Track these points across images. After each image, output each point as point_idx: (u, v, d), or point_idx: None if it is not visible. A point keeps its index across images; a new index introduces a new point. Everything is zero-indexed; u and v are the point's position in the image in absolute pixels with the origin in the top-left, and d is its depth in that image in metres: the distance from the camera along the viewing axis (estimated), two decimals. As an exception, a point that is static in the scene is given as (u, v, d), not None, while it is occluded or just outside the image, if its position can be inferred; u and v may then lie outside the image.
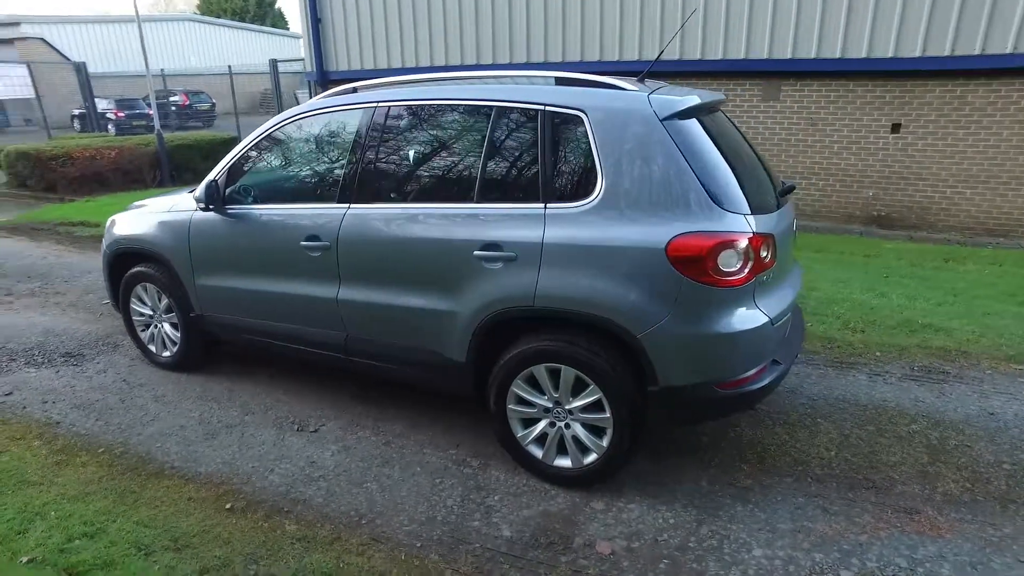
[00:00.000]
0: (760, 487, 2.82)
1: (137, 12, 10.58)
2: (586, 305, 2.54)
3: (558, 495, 2.79)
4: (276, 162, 3.42)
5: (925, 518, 2.60)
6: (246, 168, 3.43)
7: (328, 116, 3.22)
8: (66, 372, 3.98)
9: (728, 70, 8.23)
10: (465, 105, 2.89)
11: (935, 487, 2.79)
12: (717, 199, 2.44)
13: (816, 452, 3.07)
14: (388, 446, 3.17)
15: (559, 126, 2.65)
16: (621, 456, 2.69)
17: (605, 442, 2.69)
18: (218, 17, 31.74)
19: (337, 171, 3.14)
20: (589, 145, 2.57)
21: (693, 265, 2.38)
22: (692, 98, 2.64)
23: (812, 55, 7.73)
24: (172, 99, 21.26)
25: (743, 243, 2.41)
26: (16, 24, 20.96)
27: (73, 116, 19.65)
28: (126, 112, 19.31)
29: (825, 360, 4.05)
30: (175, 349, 3.91)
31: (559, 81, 2.87)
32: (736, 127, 3.27)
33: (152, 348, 4.03)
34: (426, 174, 3.00)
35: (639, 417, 2.60)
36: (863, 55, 7.46)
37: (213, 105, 22.67)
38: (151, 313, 3.95)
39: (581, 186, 2.59)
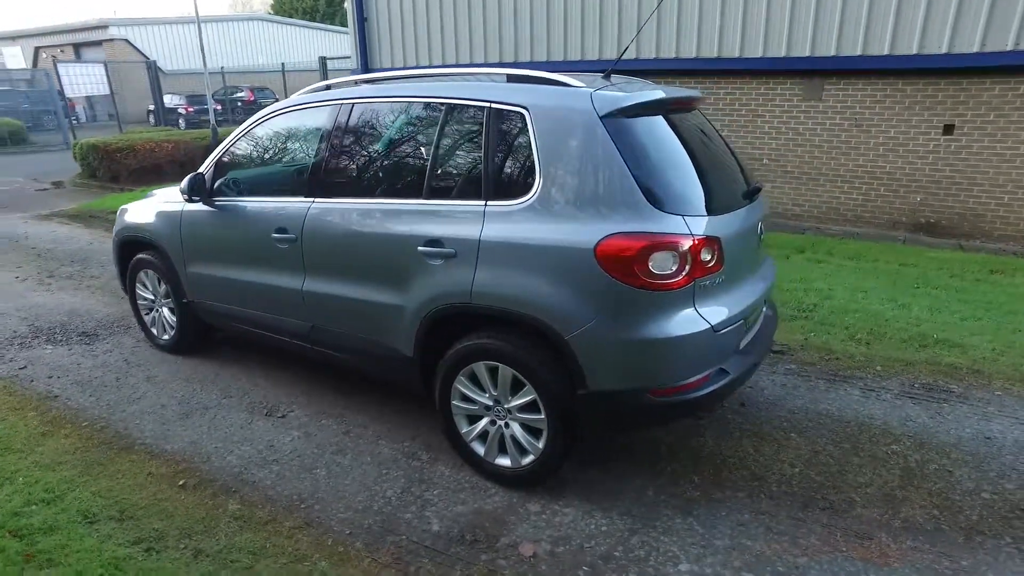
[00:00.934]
0: (707, 500, 2.71)
1: (197, 13, 11.19)
2: (517, 304, 2.52)
3: (497, 494, 2.78)
4: (256, 156, 3.55)
5: (876, 544, 2.44)
6: (231, 162, 3.58)
7: (302, 112, 3.32)
8: (77, 350, 4.28)
9: (768, 68, 7.91)
10: (419, 102, 2.92)
11: (897, 512, 2.61)
12: (654, 199, 2.37)
13: (778, 468, 2.92)
14: (347, 435, 3.24)
15: (503, 123, 2.63)
16: (556, 459, 2.66)
17: (541, 444, 2.66)
18: (290, 16, 33.06)
19: (305, 166, 3.24)
20: (529, 142, 2.55)
21: (622, 267, 2.31)
22: (641, 95, 2.56)
23: (858, 52, 7.33)
24: (238, 95, 22.32)
25: (679, 245, 2.33)
26: (104, 27, 22.61)
27: (148, 111, 20.99)
28: (195, 107, 20.44)
29: (819, 372, 3.85)
30: (172, 333, 4.13)
31: (510, 78, 2.85)
32: (709, 124, 3.16)
33: (154, 331, 4.27)
34: (382, 170, 3.04)
35: (572, 420, 2.56)
36: (913, 51, 7.01)
37: (276, 100, 23.66)
38: (152, 298, 4.19)
39: (520, 184, 2.57)
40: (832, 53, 7.46)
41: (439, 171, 2.79)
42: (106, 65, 14.56)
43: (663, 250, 2.32)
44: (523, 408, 2.66)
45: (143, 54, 22.29)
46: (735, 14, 7.71)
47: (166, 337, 4.19)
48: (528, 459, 2.72)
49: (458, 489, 2.82)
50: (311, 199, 3.14)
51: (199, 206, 3.60)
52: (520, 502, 2.73)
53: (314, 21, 33.90)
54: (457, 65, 9.65)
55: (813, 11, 7.33)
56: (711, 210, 2.52)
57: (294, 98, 3.40)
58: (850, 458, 2.99)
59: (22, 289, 5.61)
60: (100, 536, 2.44)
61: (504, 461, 2.80)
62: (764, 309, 3.17)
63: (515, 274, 2.51)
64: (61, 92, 14.57)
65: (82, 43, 23.48)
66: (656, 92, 2.65)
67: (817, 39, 7.49)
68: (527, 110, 2.57)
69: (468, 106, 2.73)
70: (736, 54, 8.01)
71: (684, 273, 2.36)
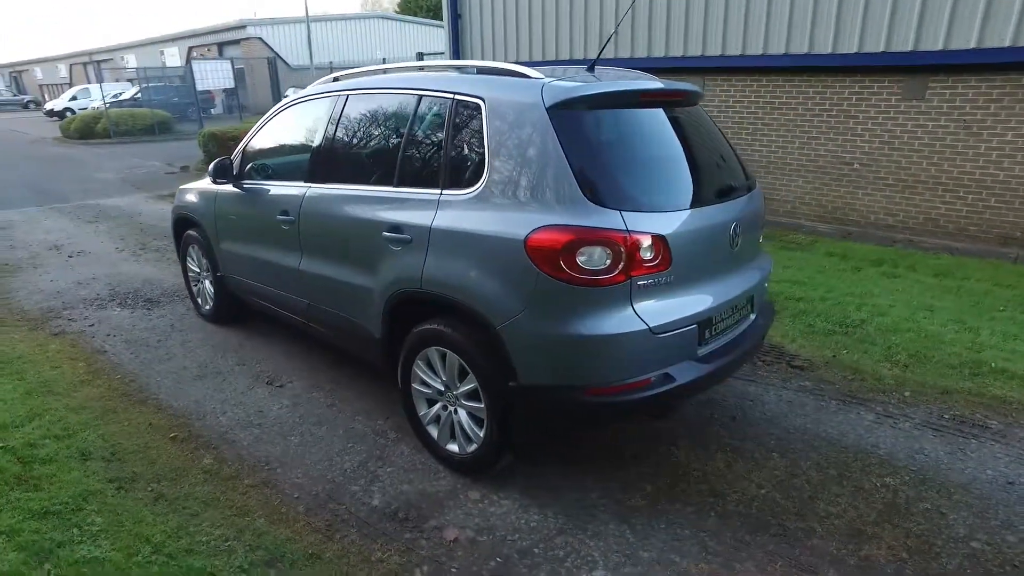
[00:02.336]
0: (651, 510, 2.60)
1: (307, 13, 12.04)
2: (457, 292, 2.55)
3: (444, 478, 2.83)
4: (274, 143, 3.82)
5: (818, 579, 2.23)
6: (256, 147, 3.88)
7: (310, 103, 3.54)
8: (137, 314, 4.83)
9: (864, 65, 7.26)
10: (397, 93, 3.01)
11: (858, 549, 2.36)
12: (593, 193, 2.30)
13: (743, 487, 2.73)
14: (330, 408, 3.43)
15: (462, 114, 2.67)
16: (495, 449, 2.66)
17: (482, 433, 2.68)
18: (414, 15, 34.62)
19: (307, 153, 3.45)
20: (482, 133, 2.56)
21: (549, 260, 2.27)
22: (595, 86, 2.49)
23: (971, 45, 6.55)
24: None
25: (612, 241, 2.25)
26: (242, 27, 25.00)
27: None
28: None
29: (836, 392, 3.53)
30: (212, 303, 4.55)
31: (480, 71, 2.87)
32: (706, 120, 3.00)
33: (199, 301, 4.73)
34: (364, 158, 3.18)
35: (507, 412, 2.55)
36: (1040, 42, 6.17)
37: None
38: (198, 271, 4.63)
39: (472, 174, 2.59)
40: (939, 47, 6.72)
41: (408, 160, 2.87)
42: (232, 61, 16.11)
43: (593, 245, 2.25)
44: (468, 396, 2.69)
45: (274, 51, 24.31)
46: (829, 6, 7.14)
47: (207, 307, 4.62)
48: (472, 447, 2.75)
49: (410, 469, 2.90)
50: (309, 184, 3.34)
51: (229, 188, 3.94)
52: (463, 488, 2.76)
53: (438, 19, 35.23)
54: (571, 62, 9.63)
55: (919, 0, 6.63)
56: (660, 207, 2.41)
57: (308, 89, 3.63)
58: (830, 486, 2.73)
59: (117, 259, 6.39)
60: (86, 471, 2.78)
61: (453, 447, 2.84)
62: (752, 316, 2.97)
63: (457, 263, 2.55)
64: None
65: (224, 42, 26.06)
66: (617, 84, 2.57)
67: (923, 31, 6.77)
68: (483, 101, 2.59)
69: (436, 97, 2.79)
70: (828, 50, 7.42)
71: (619, 270, 2.28)
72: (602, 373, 2.37)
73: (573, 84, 2.48)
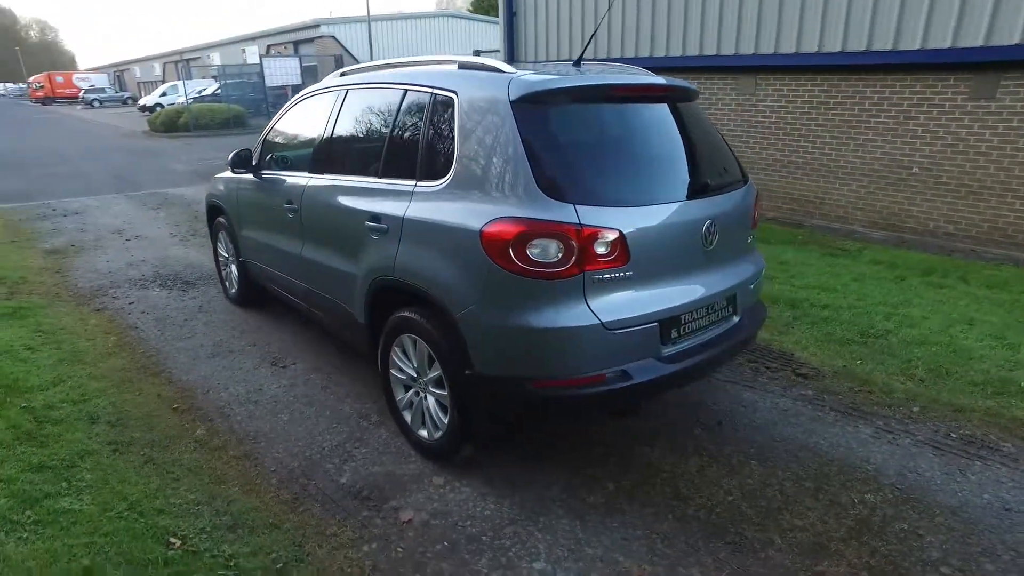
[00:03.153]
0: (607, 508, 2.58)
1: (368, 11, 12.43)
2: (422, 280, 2.61)
3: (414, 462, 2.91)
4: (287, 135, 4.01)
5: (763, 591, 2.16)
6: (273, 139, 4.09)
7: (317, 97, 3.70)
8: (174, 295, 5.17)
9: (928, 62, 6.84)
10: (386, 88, 3.11)
11: (815, 565, 2.26)
12: (548, 186, 2.31)
13: (710, 493, 2.67)
14: (324, 390, 3.58)
15: (438, 108, 2.73)
16: (457, 437, 2.71)
17: (447, 420, 2.73)
18: (487, 13, 35.05)
19: (311, 146, 3.61)
20: (453, 126, 2.62)
21: (500, 251, 2.30)
22: (562, 80, 2.50)
23: (1049, 38, 6.06)
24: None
25: (562, 234, 2.26)
26: (316, 26, 26.13)
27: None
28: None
29: (838, 403, 3.37)
30: (237, 287, 4.82)
31: (461, 65, 2.92)
32: (696, 116, 2.94)
33: (227, 284, 5.01)
34: (355, 150, 3.30)
35: (465, 401, 2.59)
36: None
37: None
38: (226, 256, 4.92)
39: (442, 166, 2.64)
40: (1016, 40, 6.24)
41: (391, 152, 2.96)
42: (300, 59, 16.84)
43: (544, 237, 2.26)
44: (435, 383, 2.75)
45: (345, 48, 25.20)
46: (891, 1, 6.76)
47: (233, 291, 4.90)
48: (438, 434, 2.81)
49: (384, 452, 3.00)
50: (311, 175, 3.50)
51: (249, 177, 4.16)
52: (429, 473, 2.83)
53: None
54: (622, 60, 9.53)
55: (994, -12, 6.17)
56: (620, 202, 2.39)
57: (319, 84, 3.79)
58: (802, 498, 2.62)
59: (168, 243, 6.85)
60: (89, 434, 3.03)
61: (423, 432, 2.91)
62: (735, 318, 2.89)
63: (424, 252, 2.62)
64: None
65: (300, 40, 27.27)
66: (587, 79, 2.56)
67: (996, 24, 6.31)
68: (456, 95, 2.64)
69: (417, 92, 2.87)
70: (888, 46, 7.03)
71: (571, 264, 2.28)
72: (553, 366, 2.37)
73: (539, 78, 2.49)
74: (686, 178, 2.71)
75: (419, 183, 2.73)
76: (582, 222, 2.27)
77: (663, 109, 2.77)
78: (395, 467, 2.88)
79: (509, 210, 2.33)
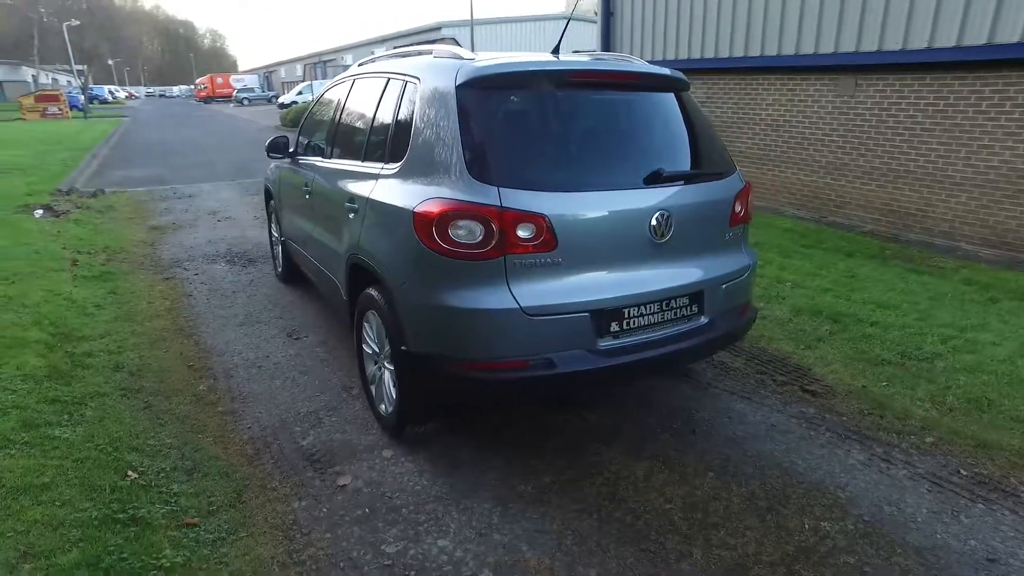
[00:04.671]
0: (534, 499, 2.56)
1: (472, 15, 12.87)
2: (373, 258, 2.74)
3: (372, 434, 3.04)
4: (313, 122, 4.30)
5: (657, 600, 2.05)
6: (305, 126, 4.41)
7: (335, 87, 3.95)
8: (234, 270, 5.71)
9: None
10: (376, 77, 3.26)
11: (725, 583, 2.11)
12: (476, 168, 2.35)
13: (648, 498, 2.55)
14: (322, 362, 3.81)
15: (406, 94, 2.84)
16: (403, 413, 2.80)
17: (396, 395, 2.83)
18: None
19: (324, 132, 3.86)
20: (412, 111, 2.71)
21: (426, 231, 2.36)
22: (509, 65, 2.52)
23: None
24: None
25: (482, 215, 2.28)
26: (438, 28, 27.48)
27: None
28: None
29: (838, 423, 3.07)
30: (281, 265, 5.23)
31: (436, 55, 2.99)
32: (679, 107, 2.83)
33: (276, 263, 5.45)
34: (351, 135, 3.48)
35: (402, 378, 2.67)
36: None
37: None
38: (275, 236, 5.35)
39: (401, 149, 2.75)
40: None
41: (372, 137, 3.12)
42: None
43: (465, 218, 2.30)
44: (389, 359, 2.87)
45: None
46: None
47: (279, 269, 5.32)
48: (392, 408, 2.92)
49: (350, 422, 3.16)
50: (322, 159, 3.75)
51: (287, 162, 4.52)
52: (382, 446, 2.94)
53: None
54: (716, 60, 9.17)
55: None
56: (549, 186, 2.36)
57: (340, 75, 4.05)
58: (747, 518, 2.44)
59: (249, 224, 7.54)
60: (108, 379, 3.45)
61: (382, 407, 3.03)
62: (702, 318, 2.74)
63: (376, 232, 2.74)
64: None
65: (423, 42, 28.66)
66: (536, 64, 2.55)
67: None
68: (419, 81, 2.74)
69: (394, 79, 3.00)
70: (1017, 38, 6.23)
71: (491, 246, 2.30)
72: (474, 348, 2.40)
73: (486, 64, 2.52)
74: (636, 167, 2.61)
75: (384, 166, 2.85)
76: (504, 205, 2.28)
77: (625, 97, 2.70)
78: (354, 436, 3.03)
79: (439, 191, 2.39)
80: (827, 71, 7.87)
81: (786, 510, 2.48)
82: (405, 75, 2.90)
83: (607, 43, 11.74)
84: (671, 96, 2.87)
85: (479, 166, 2.35)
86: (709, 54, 9.41)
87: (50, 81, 51.94)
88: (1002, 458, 2.78)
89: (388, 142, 2.88)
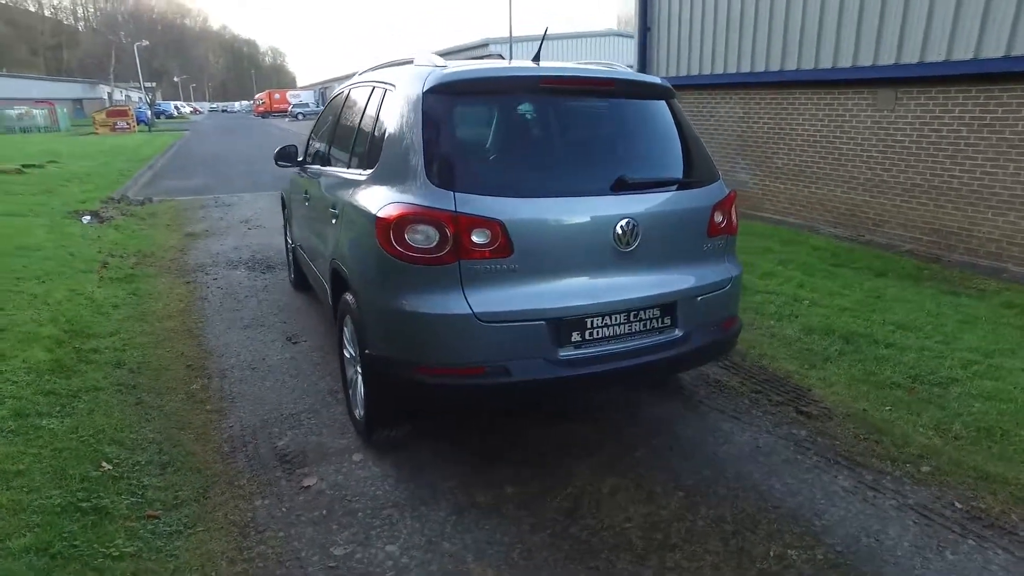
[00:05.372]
0: (490, 510, 2.51)
1: (511, 32, 13.02)
2: (345, 262, 2.77)
3: (347, 438, 3.06)
4: (318, 131, 4.41)
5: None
6: (311, 135, 4.53)
7: (337, 96, 4.05)
8: (252, 276, 5.89)
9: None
10: (364, 85, 3.33)
11: (671, 606, 2.02)
12: (434, 174, 2.36)
13: (608, 516, 2.48)
14: (315, 367, 3.88)
15: (385, 101, 2.88)
16: (371, 417, 2.81)
17: (363, 399, 2.85)
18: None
19: (323, 140, 3.96)
20: (388, 117, 2.75)
21: (384, 235, 2.38)
22: (479, 71, 2.53)
23: None
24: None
25: (436, 220, 2.28)
26: (485, 45, 27.98)
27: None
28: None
29: (828, 447, 2.92)
30: (292, 272, 5.36)
31: (416, 63, 3.02)
32: (660, 114, 2.79)
33: (290, 269, 5.60)
34: (340, 144, 3.56)
35: (367, 381, 2.68)
36: None
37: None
38: (289, 242, 5.49)
39: (376, 155, 2.79)
40: None
41: (357, 144, 3.18)
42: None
43: (420, 223, 2.31)
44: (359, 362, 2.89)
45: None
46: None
47: (292, 275, 5.46)
48: (362, 413, 2.93)
49: (328, 425, 3.19)
50: (320, 167, 3.85)
51: (295, 170, 4.65)
52: (354, 449, 2.96)
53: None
54: (752, 75, 8.99)
55: None
56: (506, 192, 2.35)
57: (340, 86, 4.16)
58: (709, 541, 2.34)
59: (275, 232, 7.72)
60: (107, 375, 3.60)
61: (357, 411, 3.06)
62: (676, 331, 2.66)
63: (348, 236, 2.79)
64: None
65: (471, 57, 29.28)
66: (504, 70, 2.56)
67: None
68: (394, 88, 2.79)
69: (377, 87, 3.06)
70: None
71: (446, 251, 2.30)
72: (430, 353, 2.40)
73: (453, 71, 2.55)
74: (603, 174, 2.57)
75: (362, 172, 2.90)
76: (458, 210, 2.28)
77: (598, 104, 2.67)
78: (329, 439, 3.06)
79: (401, 196, 2.42)
80: (865, 84, 7.61)
81: (753, 535, 2.36)
82: (385, 83, 2.95)
83: (643, 57, 11.67)
84: (652, 103, 2.83)
85: (438, 171, 2.37)
86: (745, 68, 9.23)
87: (123, 98, 55.24)
88: (1005, 492, 2.59)
89: (367, 148, 2.94)
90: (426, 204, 2.32)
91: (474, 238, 2.30)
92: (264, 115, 57.90)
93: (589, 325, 2.46)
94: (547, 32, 3.47)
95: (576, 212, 2.43)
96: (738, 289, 2.92)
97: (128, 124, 32.64)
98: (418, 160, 2.42)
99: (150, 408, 3.30)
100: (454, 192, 2.32)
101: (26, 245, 6.35)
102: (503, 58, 31.86)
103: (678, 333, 2.67)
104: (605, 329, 2.49)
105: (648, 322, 2.58)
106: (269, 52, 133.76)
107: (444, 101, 2.49)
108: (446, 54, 32.82)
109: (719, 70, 9.61)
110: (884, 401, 3.33)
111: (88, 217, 8.38)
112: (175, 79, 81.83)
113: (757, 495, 2.60)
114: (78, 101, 50.61)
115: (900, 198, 7.31)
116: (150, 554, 2.24)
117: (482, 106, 2.58)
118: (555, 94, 2.63)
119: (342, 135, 3.63)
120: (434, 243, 2.31)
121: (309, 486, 2.70)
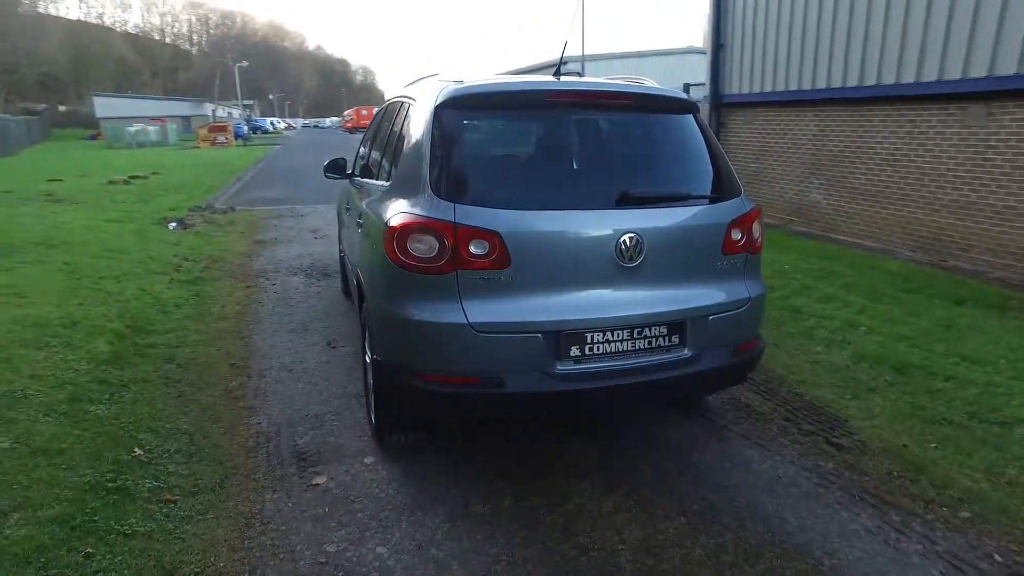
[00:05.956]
0: (485, 520, 2.53)
1: (583, 50, 13.08)
2: (362, 268, 2.89)
3: (363, 440, 3.16)
4: (364, 144, 4.61)
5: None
6: (360, 147, 4.75)
7: (381, 110, 4.23)
8: (308, 282, 6.19)
9: None
10: (396, 100, 3.47)
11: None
12: (438, 185, 2.44)
13: (603, 536, 2.44)
14: (347, 371, 4.02)
15: (408, 115, 3.00)
16: (378, 422, 2.89)
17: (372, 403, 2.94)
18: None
19: (364, 152, 4.14)
20: (407, 130, 2.86)
21: (390, 244, 2.47)
22: (489, 86, 2.59)
23: None
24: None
25: (436, 230, 2.35)
26: (565, 63, 28.24)
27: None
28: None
29: (857, 484, 2.74)
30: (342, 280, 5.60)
31: (440, 79, 3.11)
32: (665, 128, 2.76)
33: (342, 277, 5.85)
34: (375, 155, 3.70)
35: (374, 387, 2.77)
36: None
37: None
38: (341, 251, 5.74)
39: (395, 166, 2.90)
40: None
41: (384, 156, 3.32)
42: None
43: (422, 232, 2.38)
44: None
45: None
46: None
47: (343, 282, 5.70)
48: (374, 415, 3.03)
49: (349, 427, 3.31)
50: (361, 179, 4.03)
51: (346, 182, 4.87)
52: (368, 452, 3.06)
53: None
54: (829, 91, 8.57)
55: None
56: (506, 204, 2.38)
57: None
58: (703, 571, 2.25)
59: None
60: (157, 368, 3.89)
61: (373, 415, 3.15)
62: (684, 351, 2.60)
63: (365, 245, 2.91)
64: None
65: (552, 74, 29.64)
66: (514, 85, 2.61)
67: None
68: (414, 102, 2.90)
69: (404, 101, 3.19)
70: None
71: (445, 260, 2.36)
72: (427, 360, 2.45)
73: (466, 85, 2.62)
74: (607, 188, 2.55)
75: (384, 183, 3.03)
76: (458, 221, 2.34)
77: (612, 117, 2.67)
78: (347, 441, 3.17)
79: (409, 207, 2.51)
80: (952, 99, 7.13)
81: (751, 569, 2.26)
82: (410, 97, 3.08)
83: (716, 74, 11.45)
84: (671, 118, 2.79)
85: (441, 182, 2.44)
86: (821, 84, 8.85)
87: (225, 114, 59.53)
88: (1052, 545, 2.34)
89: (391, 160, 3.07)
90: (427, 214, 2.40)
91: (472, 249, 2.35)
92: (351, 130, 60.61)
93: (589, 340, 2.44)
94: (566, 46, 3.49)
95: (577, 226, 2.44)
96: (758, 310, 2.81)
97: (226, 139, 35.12)
98: (425, 171, 2.50)
99: (189, 401, 3.54)
100: (455, 203, 2.38)
101: (114, 248, 6.97)
102: (580, 75, 32.09)
103: (687, 353, 2.60)
104: (606, 345, 2.47)
105: (654, 340, 2.53)
106: (360, 71, 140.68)
107: (454, 115, 2.57)
108: (525, 72, 33.45)
109: (793, 86, 9.27)
110: (930, 437, 3.09)
111: (174, 224, 9.08)
112: (270, 97, 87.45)
113: (765, 527, 2.48)
114: (186, 118, 54.95)
115: (990, 221, 6.76)
116: (160, 535, 2.40)
117: (491, 120, 2.64)
118: (564, 108, 2.65)
119: (376, 147, 3.80)
120: (434, 252, 2.38)
121: (318, 484, 2.81)
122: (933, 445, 3.03)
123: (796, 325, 4.68)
